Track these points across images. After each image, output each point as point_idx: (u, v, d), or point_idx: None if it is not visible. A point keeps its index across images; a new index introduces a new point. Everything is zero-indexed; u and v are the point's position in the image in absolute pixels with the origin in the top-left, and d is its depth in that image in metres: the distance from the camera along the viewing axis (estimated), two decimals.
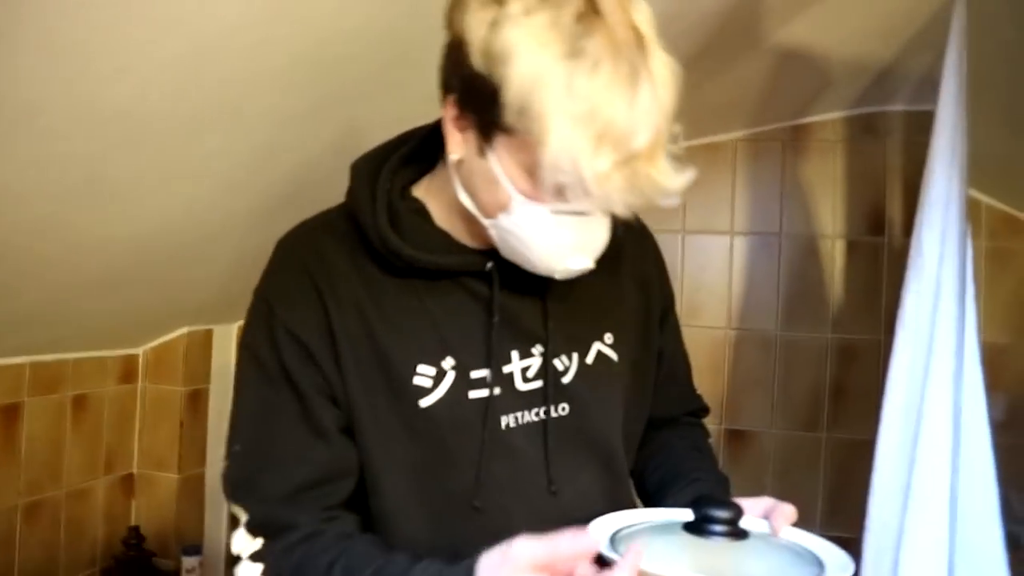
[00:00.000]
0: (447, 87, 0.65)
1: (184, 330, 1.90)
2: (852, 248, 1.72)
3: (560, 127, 0.54)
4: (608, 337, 0.77)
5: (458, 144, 0.65)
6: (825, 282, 1.73)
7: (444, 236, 0.72)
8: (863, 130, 1.70)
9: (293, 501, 0.67)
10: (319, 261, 0.71)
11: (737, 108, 1.67)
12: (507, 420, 0.71)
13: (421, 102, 1.16)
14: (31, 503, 1.59)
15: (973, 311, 0.79)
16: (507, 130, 0.58)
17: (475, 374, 0.70)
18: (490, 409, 0.70)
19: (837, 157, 1.72)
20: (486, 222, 0.65)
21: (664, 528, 0.67)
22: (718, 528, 0.62)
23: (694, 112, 1.60)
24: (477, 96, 0.60)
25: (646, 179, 0.56)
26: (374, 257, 0.70)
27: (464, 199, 0.66)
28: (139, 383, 1.91)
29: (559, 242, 0.63)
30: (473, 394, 0.70)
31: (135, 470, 1.91)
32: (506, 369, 0.71)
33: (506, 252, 0.67)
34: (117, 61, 0.78)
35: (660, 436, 0.86)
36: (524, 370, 0.72)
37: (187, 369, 1.91)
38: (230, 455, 0.69)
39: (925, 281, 0.78)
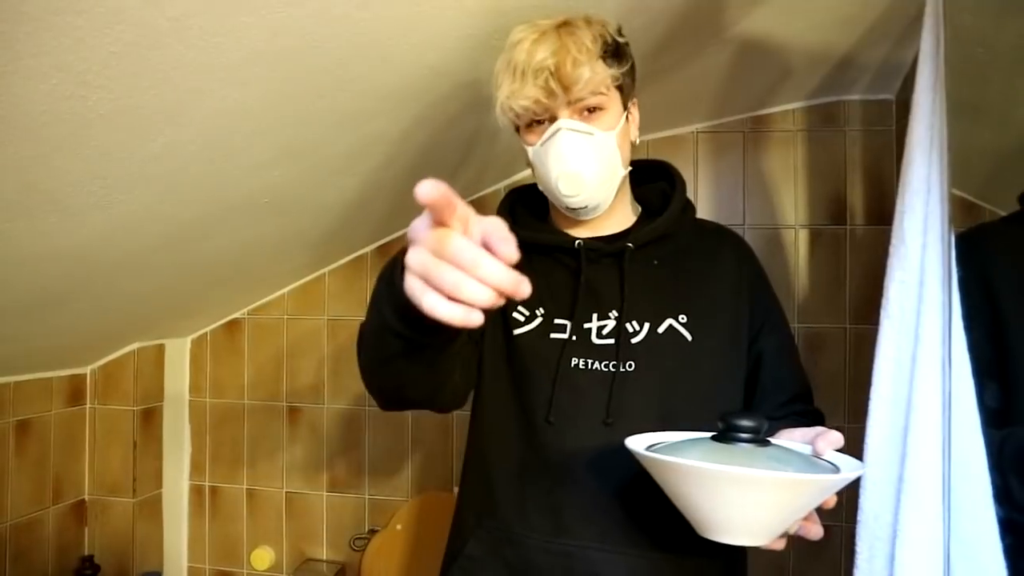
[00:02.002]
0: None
1: (134, 346, 1.81)
2: (815, 237, 1.72)
3: (500, 83, 0.89)
4: (682, 318, 0.93)
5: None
6: (790, 272, 1.73)
7: (547, 225, 1.02)
8: (822, 120, 1.71)
9: None
10: None
11: (698, 101, 1.66)
12: (576, 361, 0.91)
13: (377, 99, 1.12)
14: None
15: (959, 297, 0.78)
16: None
17: (558, 321, 0.94)
18: (565, 349, 0.91)
19: (797, 147, 1.72)
20: (541, 187, 0.96)
21: (696, 440, 0.76)
22: (743, 436, 0.71)
23: (655, 105, 1.60)
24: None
25: (557, 79, 0.84)
26: None
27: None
28: (88, 404, 1.83)
29: (550, 160, 0.89)
30: (554, 336, 0.93)
31: (87, 496, 1.82)
32: (586, 325, 0.93)
33: (550, 197, 0.95)
34: (50, 57, 0.71)
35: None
36: (600, 328, 0.93)
37: (138, 387, 1.82)
38: None
39: (909, 270, 0.76)
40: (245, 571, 1.97)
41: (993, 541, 0.71)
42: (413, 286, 0.54)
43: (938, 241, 0.76)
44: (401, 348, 0.70)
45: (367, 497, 1.91)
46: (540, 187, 0.95)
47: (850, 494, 0.82)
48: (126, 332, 1.75)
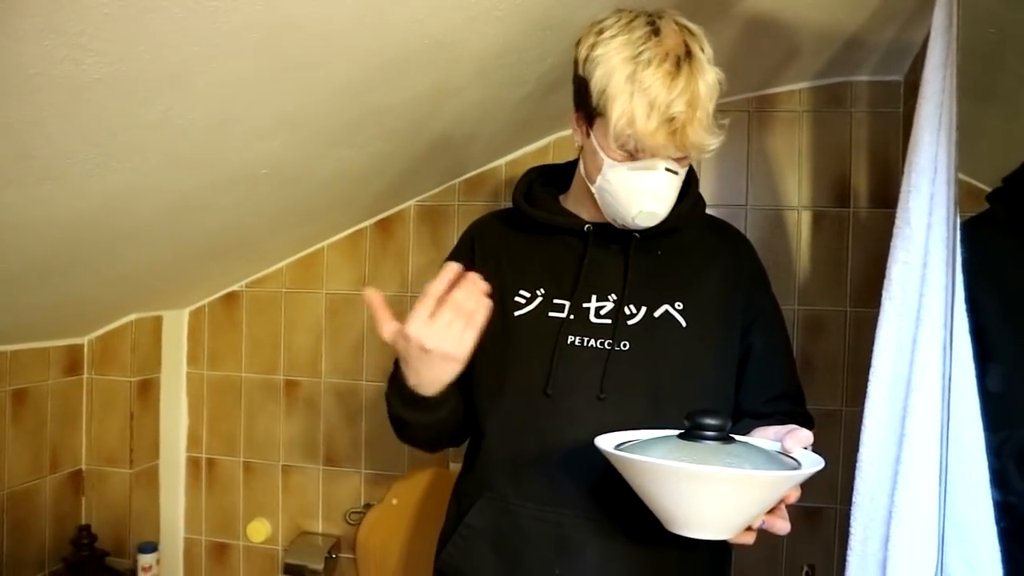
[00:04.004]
0: (574, 101, 0.95)
1: (132, 317, 1.81)
2: (817, 219, 1.71)
3: (623, 102, 0.83)
4: (679, 304, 0.97)
5: (577, 135, 0.97)
6: (791, 254, 1.72)
7: (560, 206, 1.05)
8: (828, 101, 1.69)
9: None
10: (481, 228, 1.11)
11: None
12: (573, 339, 0.95)
13: (378, 69, 1.11)
14: None
15: (962, 280, 0.77)
16: (597, 113, 0.88)
17: (557, 301, 0.98)
18: (563, 327, 0.95)
19: (803, 128, 1.70)
20: (593, 187, 0.95)
21: (663, 438, 0.78)
22: (708, 434, 0.74)
23: None
24: (581, 95, 0.91)
25: (684, 136, 0.84)
26: (514, 222, 1.07)
27: (582, 173, 0.99)
28: (85, 374, 1.82)
29: (635, 191, 0.90)
30: (552, 315, 0.97)
31: (83, 466, 1.83)
32: (584, 305, 0.97)
33: (605, 209, 0.96)
34: (41, 17, 0.70)
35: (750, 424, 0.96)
36: (599, 309, 0.97)
37: (136, 358, 1.82)
38: None
39: (913, 251, 0.76)
40: (241, 543, 1.98)
41: (988, 524, 0.71)
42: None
43: (943, 223, 0.75)
44: (418, 424, 0.96)
45: (363, 471, 1.92)
46: (597, 192, 0.94)
47: (846, 475, 0.82)
48: (123, 303, 1.74)
